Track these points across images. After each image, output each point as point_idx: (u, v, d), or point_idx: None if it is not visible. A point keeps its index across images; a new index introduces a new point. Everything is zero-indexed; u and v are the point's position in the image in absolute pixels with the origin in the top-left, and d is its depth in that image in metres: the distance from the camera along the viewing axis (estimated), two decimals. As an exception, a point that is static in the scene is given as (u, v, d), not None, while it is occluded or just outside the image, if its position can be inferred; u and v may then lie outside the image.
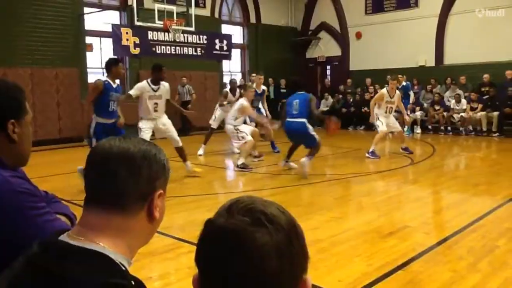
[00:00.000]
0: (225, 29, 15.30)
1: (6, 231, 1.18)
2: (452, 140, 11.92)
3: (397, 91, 9.06)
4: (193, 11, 12.02)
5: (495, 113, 11.97)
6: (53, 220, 1.27)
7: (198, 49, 13.57)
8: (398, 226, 4.52)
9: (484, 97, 12.29)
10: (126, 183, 0.98)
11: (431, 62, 14.06)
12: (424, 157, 9.07)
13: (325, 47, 16.73)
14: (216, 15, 14.91)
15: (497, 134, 11.93)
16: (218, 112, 9.60)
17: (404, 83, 12.23)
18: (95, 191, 1.00)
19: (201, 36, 13.40)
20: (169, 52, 12.89)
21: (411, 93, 13.11)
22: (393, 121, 9.03)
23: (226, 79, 15.38)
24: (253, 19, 16.08)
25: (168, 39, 12.60)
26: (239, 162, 7.71)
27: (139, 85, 6.97)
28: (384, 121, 8.81)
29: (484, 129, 12.14)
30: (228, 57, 14.61)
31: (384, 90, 8.90)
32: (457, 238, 4.14)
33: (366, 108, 13.30)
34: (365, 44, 15.55)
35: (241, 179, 7.51)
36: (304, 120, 6.85)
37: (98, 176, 1.00)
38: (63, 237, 0.97)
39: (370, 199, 5.94)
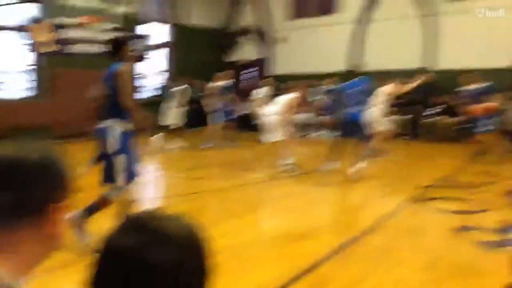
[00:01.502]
0: (148, 28, 14.91)
1: None
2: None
3: None
4: (114, 8, 11.64)
5: (408, 117, 12.72)
6: None
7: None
8: (308, 229, 4.64)
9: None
10: (17, 195, 0.88)
11: (351, 67, 14.57)
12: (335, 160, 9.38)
13: (250, 50, 16.88)
14: (138, 14, 14.51)
15: (407, 136, 12.66)
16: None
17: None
18: None
19: (119, 34, 12.95)
20: (86, 50, 12.35)
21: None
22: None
23: (150, 80, 15.05)
24: (177, 19, 15.85)
25: (85, 36, 12.07)
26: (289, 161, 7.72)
27: None
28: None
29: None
30: (141, 59, 14.12)
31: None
32: (363, 238, 4.34)
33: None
34: (289, 48, 15.87)
35: (158, 184, 7.37)
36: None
37: None
38: None
39: (282, 202, 6.04)
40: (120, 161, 3.88)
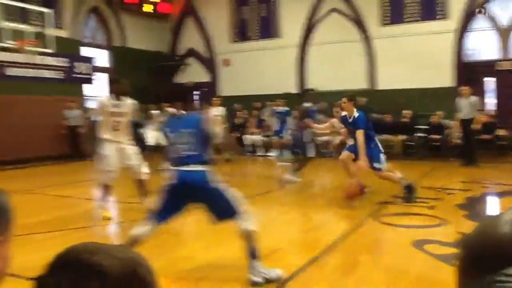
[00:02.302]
0: (88, 52, 14.53)
1: None
2: (318, 163, 12.60)
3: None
4: (50, 31, 11.20)
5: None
6: None
7: (57, 72, 12.64)
8: (270, 249, 4.53)
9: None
10: None
11: (295, 89, 14.85)
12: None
13: (194, 73, 16.82)
14: (77, 37, 14.12)
15: None
16: None
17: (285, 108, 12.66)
18: None
19: (60, 58, 12.51)
20: (23, 74, 11.77)
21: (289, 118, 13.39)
22: None
23: (91, 104, 14.60)
24: (117, 43, 15.54)
25: (22, 61, 11.52)
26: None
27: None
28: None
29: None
30: (89, 80, 13.83)
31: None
32: (325, 257, 4.28)
33: (236, 133, 13.62)
34: (233, 71, 15.96)
35: (112, 209, 7.01)
36: None
37: None
38: None
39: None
40: None
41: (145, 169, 6.15)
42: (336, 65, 14.10)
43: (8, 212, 0.90)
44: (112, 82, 6.13)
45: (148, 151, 9.76)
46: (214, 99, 12.38)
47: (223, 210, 3.60)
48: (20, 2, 11.40)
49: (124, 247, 0.76)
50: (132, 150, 6.14)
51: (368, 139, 6.45)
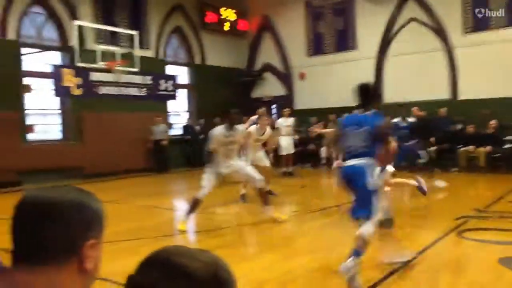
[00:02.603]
0: (170, 70, 15.32)
1: None
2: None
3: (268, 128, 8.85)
4: (137, 52, 11.99)
5: (432, 148, 12.52)
6: None
7: (143, 89, 13.47)
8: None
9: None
10: (52, 235, 0.92)
11: (371, 101, 14.61)
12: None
13: (270, 87, 17.09)
14: (161, 56, 14.94)
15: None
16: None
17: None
18: (21, 245, 0.93)
19: (145, 77, 13.33)
20: (112, 93, 12.69)
21: None
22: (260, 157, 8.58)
23: (173, 120, 15.37)
24: (198, 60, 16.23)
25: (111, 80, 12.43)
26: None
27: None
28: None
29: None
30: (173, 97, 14.57)
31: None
32: (404, 272, 4.20)
33: (313, 146, 13.65)
34: (308, 84, 16.03)
35: (192, 219, 7.34)
36: None
37: (23, 229, 0.93)
38: None
39: (317, 236, 5.96)
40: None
41: (259, 178, 6.46)
42: (415, 76, 13.69)
43: (103, 218, 1.01)
44: (224, 113, 6.58)
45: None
46: (284, 110, 12.63)
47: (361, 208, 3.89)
48: (110, 26, 12.34)
49: (206, 251, 0.83)
50: (242, 164, 6.60)
51: None
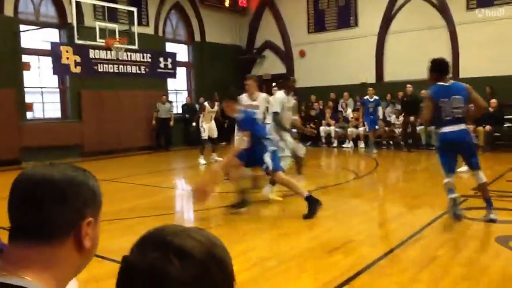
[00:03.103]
0: (170, 47, 15.20)
1: None
2: (394, 154, 12.32)
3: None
4: (136, 29, 11.85)
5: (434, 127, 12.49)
6: None
7: (142, 67, 13.37)
8: (343, 241, 4.56)
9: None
10: (50, 212, 0.92)
11: (372, 79, 14.55)
12: (367, 171, 9.30)
13: (271, 65, 16.97)
14: (160, 34, 14.79)
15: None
16: None
17: (375, 97, 12.54)
18: (18, 221, 0.94)
19: (144, 54, 13.22)
20: (111, 70, 12.60)
21: (380, 108, 13.13)
22: None
23: (172, 98, 15.31)
24: (197, 38, 16.08)
25: (110, 58, 12.34)
26: None
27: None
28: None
29: (424, 142, 12.63)
30: (173, 75, 14.48)
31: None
32: (400, 250, 4.23)
33: (311, 124, 13.61)
34: (309, 61, 15.91)
35: (189, 198, 7.37)
36: None
37: (21, 206, 0.94)
38: None
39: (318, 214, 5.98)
40: None
41: (301, 149, 6.83)
42: (417, 53, 13.53)
43: (99, 196, 1.01)
44: (283, 79, 6.79)
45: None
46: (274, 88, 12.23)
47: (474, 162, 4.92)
48: (108, 3, 12.18)
49: (202, 229, 0.82)
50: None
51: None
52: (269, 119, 6.64)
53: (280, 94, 6.61)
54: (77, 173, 0.98)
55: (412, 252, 4.18)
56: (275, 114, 6.45)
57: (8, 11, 11.27)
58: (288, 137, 6.55)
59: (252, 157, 5.62)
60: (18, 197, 0.94)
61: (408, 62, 13.52)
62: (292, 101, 6.79)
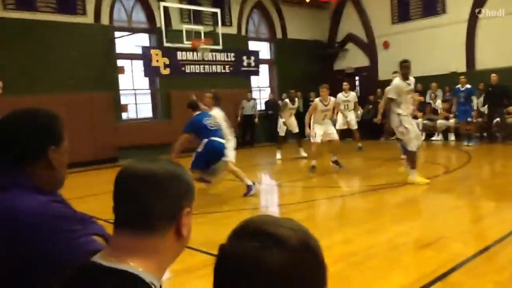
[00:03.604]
0: (252, 45, 15.45)
1: (43, 254, 1.23)
2: (488, 147, 11.59)
3: (332, 98, 8.99)
4: (219, 29, 12.21)
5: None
6: (89, 242, 1.31)
7: (227, 66, 13.74)
8: (435, 237, 4.41)
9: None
10: (153, 204, 1.00)
11: (462, 68, 13.78)
12: (459, 165, 8.86)
13: (353, 58, 16.66)
14: (243, 33, 15.09)
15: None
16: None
17: (467, 86, 11.97)
18: (124, 213, 1.02)
19: (228, 54, 13.58)
20: (198, 71, 13.10)
21: (474, 98, 12.52)
22: (331, 129, 8.89)
23: (256, 95, 15.58)
24: (279, 35, 16.18)
25: (196, 59, 12.82)
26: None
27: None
28: (318, 132, 8.59)
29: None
30: (256, 72, 14.73)
31: (317, 100, 8.84)
32: (498, 248, 4.02)
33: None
34: (393, 53, 15.37)
35: (274, 192, 7.51)
36: None
37: (125, 198, 1.02)
38: (96, 258, 1.00)
39: (404, 210, 5.84)
40: None
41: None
42: (509, 38, 12.61)
43: (193, 189, 1.08)
44: (402, 63, 7.15)
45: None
46: (344, 84, 11.81)
47: None
48: (193, 5, 12.65)
49: (292, 220, 0.84)
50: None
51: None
52: None
53: (396, 81, 7.00)
54: (175, 168, 1.06)
55: (510, 251, 3.95)
56: (390, 99, 6.94)
57: (104, 20, 12.11)
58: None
59: None
60: (123, 191, 1.03)
61: (501, 49, 12.64)
62: (410, 86, 6.92)
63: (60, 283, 0.98)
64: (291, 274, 0.75)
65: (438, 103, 13.56)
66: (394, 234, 4.64)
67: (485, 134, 12.46)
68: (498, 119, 11.91)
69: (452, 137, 12.88)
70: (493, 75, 11.93)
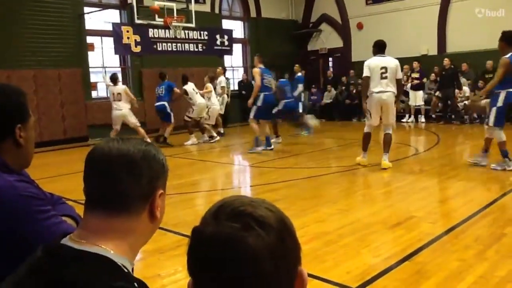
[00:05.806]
0: (226, 24, 15.26)
1: (12, 235, 1.19)
2: (456, 129, 11.87)
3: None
4: (193, 7, 11.98)
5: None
6: (59, 223, 1.27)
7: (200, 45, 13.54)
8: (404, 217, 4.51)
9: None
10: (127, 184, 0.97)
11: (433, 51, 13.97)
12: (428, 147, 9.04)
13: (327, 39, 16.67)
14: (216, 11, 14.86)
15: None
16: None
17: (299, 74, 11.94)
18: (96, 193, 0.99)
19: (202, 32, 13.37)
20: (170, 49, 12.87)
21: (300, 85, 12.04)
22: None
23: (229, 75, 15.44)
24: (253, 13, 16.01)
25: (169, 36, 12.58)
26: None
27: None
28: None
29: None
30: (229, 52, 14.58)
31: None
32: (464, 227, 4.13)
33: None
34: (367, 34, 15.43)
35: (247, 173, 7.52)
36: None
37: (98, 179, 0.99)
38: (65, 241, 0.97)
39: (376, 190, 5.96)
40: None
41: None
42: (483, 22, 12.81)
43: (167, 169, 1.06)
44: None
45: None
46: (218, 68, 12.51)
47: None
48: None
49: (264, 200, 0.82)
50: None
51: None
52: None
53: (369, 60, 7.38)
54: (149, 147, 1.02)
55: (477, 230, 4.07)
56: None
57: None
58: None
59: None
60: (96, 172, 0.99)
61: (474, 32, 12.84)
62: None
63: (27, 265, 0.94)
64: (275, 254, 0.73)
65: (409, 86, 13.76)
66: (365, 214, 4.72)
67: (453, 115, 12.76)
68: (449, 101, 12.40)
69: (422, 118, 13.14)
70: (445, 59, 12.32)
